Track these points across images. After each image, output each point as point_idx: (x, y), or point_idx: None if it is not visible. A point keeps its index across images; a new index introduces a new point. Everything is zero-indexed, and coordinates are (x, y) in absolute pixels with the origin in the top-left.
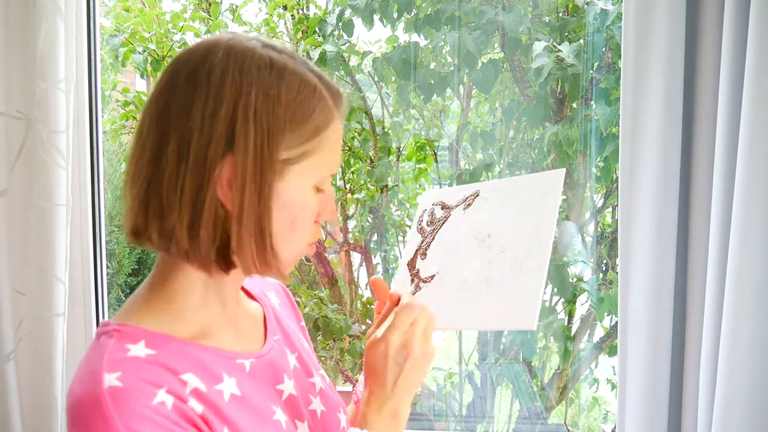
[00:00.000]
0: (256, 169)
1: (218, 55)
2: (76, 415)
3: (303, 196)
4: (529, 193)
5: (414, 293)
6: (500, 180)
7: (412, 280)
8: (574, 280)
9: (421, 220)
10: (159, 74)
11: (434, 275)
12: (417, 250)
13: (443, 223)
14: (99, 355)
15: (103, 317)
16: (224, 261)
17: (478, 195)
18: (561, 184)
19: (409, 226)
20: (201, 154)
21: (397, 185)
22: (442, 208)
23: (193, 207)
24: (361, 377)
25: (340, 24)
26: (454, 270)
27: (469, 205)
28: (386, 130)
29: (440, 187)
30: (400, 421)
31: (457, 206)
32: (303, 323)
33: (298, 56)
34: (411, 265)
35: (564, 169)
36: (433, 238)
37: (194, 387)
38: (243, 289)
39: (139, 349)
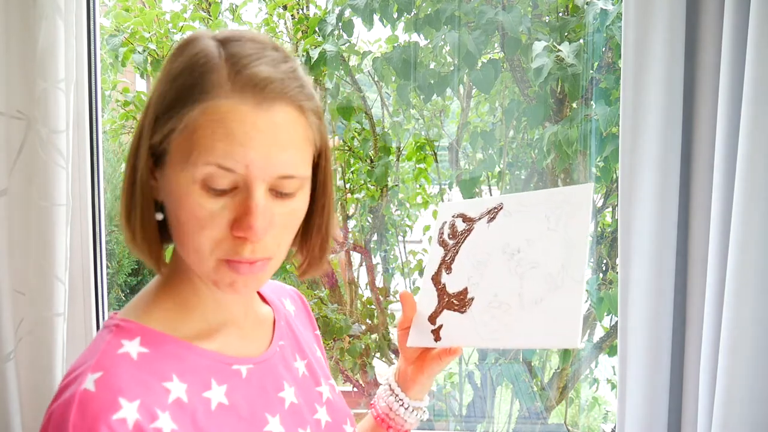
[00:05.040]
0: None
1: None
2: (54, 408)
3: (181, 190)
4: (556, 207)
5: (442, 310)
6: (524, 193)
7: (440, 297)
8: None
9: (442, 233)
10: None
11: (462, 291)
12: (441, 264)
13: (467, 236)
14: (94, 350)
15: (103, 317)
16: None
17: (501, 208)
18: (591, 199)
19: (410, 226)
20: (133, 147)
21: (397, 185)
22: (463, 221)
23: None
24: (379, 390)
25: (340, 24)
26: (483, 285)
27: (492, 218)
28: (386, 130)
29: (440, 188)
30: None
31: (480, 219)
32: (318, 332)
33: (237, 36)
34: (436, 280)
35: (592, 184)
36: (457, 252)
37: (177, 397)
38: (257, 292)
39: (132, 347)
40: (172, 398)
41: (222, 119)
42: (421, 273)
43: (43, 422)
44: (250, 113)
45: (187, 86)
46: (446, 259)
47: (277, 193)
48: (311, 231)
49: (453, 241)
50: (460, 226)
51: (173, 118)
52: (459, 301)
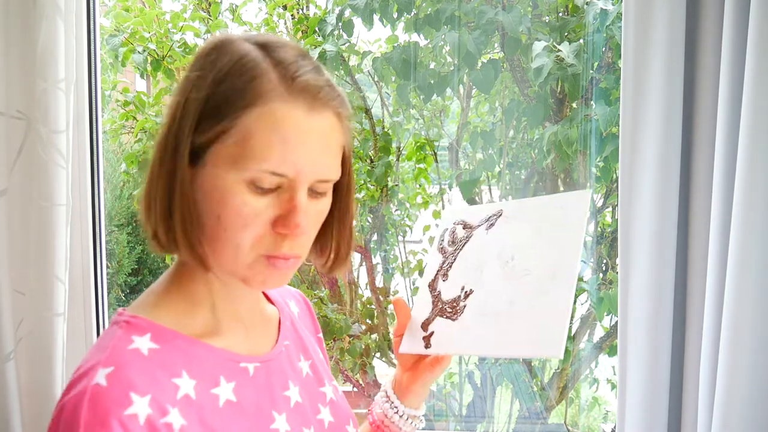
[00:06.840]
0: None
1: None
2: (66, 402)
3: (226, 189)
4: (553, 213)
5: (435, 318)
6: (524, 200)
7: (434, 304)
8: None
9: (442, 240)
10: None
11: (455, 298)
12: (438, 271)
13: (465, 243)
14: (104, 345)
15: (103, 317)
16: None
17: (501, 215)
18: (588, 206)
19: (410, 226)
20: (168, 149)
21: (397, 185)
22: (463, 228)
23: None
24: (377, 397)
25: (340, 24)
26: (476, 293)
27: (491, 225)
28: (386, 130)
29: (440, 188)
30: None
31: (479, 226)
32: (321, 335)
33: (275, 41)
34: (432, 286)
35: (590, 191)
36: (454, 259)
37: (185, 393)
38: (263, 292)
39: (143, 343)
40: (180, 394)
41: (276, 124)
42: (421, 273)
43: (54, 415)
44: (303, 119)
45: (238, 90)
46: (443, 266)
47: (313, 193)
48: (338, 229)
49: (452, 248)
50: (460, 233)
51: (223, 121)
52: (452, 309)
